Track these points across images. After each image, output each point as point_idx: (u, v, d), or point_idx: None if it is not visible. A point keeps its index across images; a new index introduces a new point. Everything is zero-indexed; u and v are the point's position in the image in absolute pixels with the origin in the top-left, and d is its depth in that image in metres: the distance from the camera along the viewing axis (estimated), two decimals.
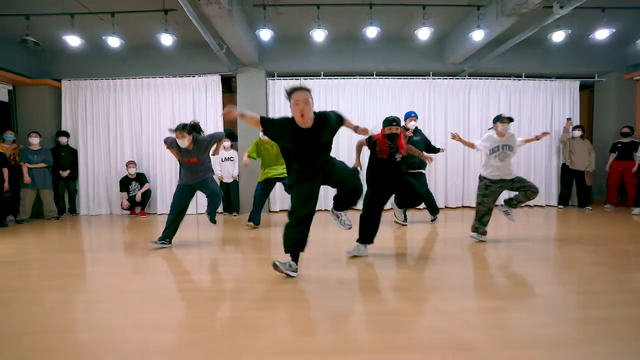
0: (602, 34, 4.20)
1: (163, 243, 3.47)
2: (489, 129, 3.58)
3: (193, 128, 3.39)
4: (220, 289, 2.49)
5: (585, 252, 3.20)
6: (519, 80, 6.26)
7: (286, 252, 2.51)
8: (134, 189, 5.84)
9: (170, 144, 3.53)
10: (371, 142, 3.06)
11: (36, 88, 5.87)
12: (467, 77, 6.18)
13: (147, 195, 5.89)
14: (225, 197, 5.90)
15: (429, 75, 6.13)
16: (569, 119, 6.07)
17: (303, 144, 2.35)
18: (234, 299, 2.24)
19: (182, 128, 3.29)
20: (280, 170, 4.37)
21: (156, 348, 1.61)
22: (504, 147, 3.40)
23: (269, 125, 2.36)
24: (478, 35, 4.20)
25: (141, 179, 5.89)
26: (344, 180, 2.47)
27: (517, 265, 2.90)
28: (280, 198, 6.17)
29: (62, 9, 4.00)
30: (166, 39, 4.16)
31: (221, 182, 5.84)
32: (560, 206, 6.19)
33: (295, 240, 2.47)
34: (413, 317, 1.91)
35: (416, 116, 4.62)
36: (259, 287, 2.41)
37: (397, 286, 2.43)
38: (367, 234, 3.02)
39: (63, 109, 6.06)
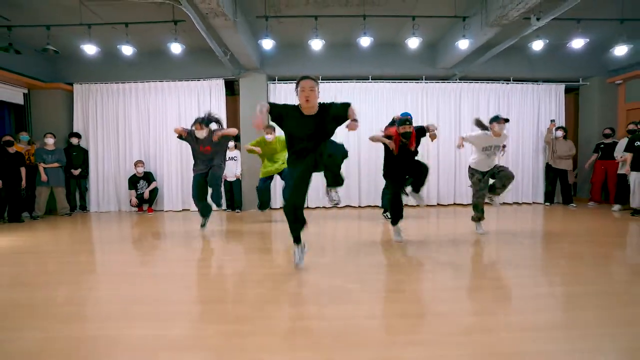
0: (577, 43, 4.53)
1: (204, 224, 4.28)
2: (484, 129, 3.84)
3: (209, 120, 3.95)
4: (225, 280, 2.82)
5: (564, 245, 3.54)
6: (507, 83, 6.60)
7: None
8: (142, 187, 6.16)
9: (188, 133, 4.01)
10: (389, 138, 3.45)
11: (50, 91, 6.21)
12: (458, 80, 6.51)
13: (154, 193, 6.21)
14: (229, 195, 6.23)
15: (422, 79, 6.46)
16: (552, 121, 6.41)
17: (305, 130, 2.53)
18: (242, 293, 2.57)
19: (202, 121, 3.85)
20: (277, 166, 4.79)
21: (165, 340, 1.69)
22: (496, 147, 3.72)
23: (276, 107, 2.58)
24: (464, 44, 4.53)
25: (149, 177, 6.22)
26: (329, 158, 2.58)
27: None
28: (281, 196, 6.48)
29: (80, 20, 4.33)
30: (176, 48, 4.49)
31: (225, 180, 6.17)
32: (546, 203, 6.52)
33: (294, 227, 2.67)
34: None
35: (411, 119, 4.80)
36: (263, 276, 2.74)
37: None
38: (397, 215, 3.53)
39: (75, 111, 6.39)
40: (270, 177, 5.00)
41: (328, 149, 2.57)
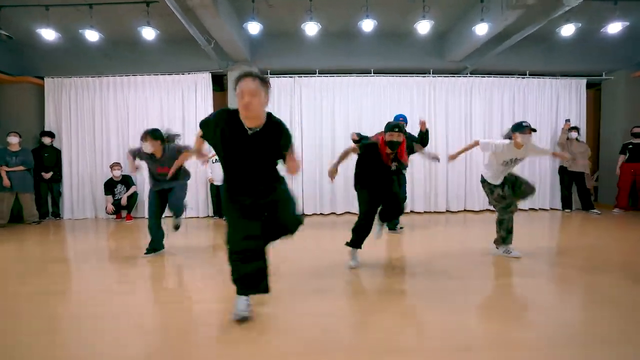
0: (614, 27, 3.93)
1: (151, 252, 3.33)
2: (504, 137, 3.13)
3: (163, 137, 3.19)
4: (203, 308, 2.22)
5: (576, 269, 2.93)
6: (523, 78, 5.99)
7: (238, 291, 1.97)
8: (120, 192, 5.57)
9: (134, 153, 3.30)
10: (366, 145, 2.80)
11: (17, 86, 5.60)
12: (469, 75, 5.91)
13: (133, 198, 5.61)
14: (215, 200, 5.64)
15: (429, 73, 5.86)
16: (567, 120, 5.81)
17: (242, 151, 1.83)
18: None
19: (152, 133, 3.10)
20: None
21: None
22: (517, 160, 3.04)
23: (205, 126, 1.89)
24: (482, 29, 3.92)
25: (127, 181, 5.62)
26: (281, 221, 2.03)
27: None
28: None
29: (37, 0, 3.72)
30: (148, 33, 3.89)
31: (211, 184, 5.57)
32: (566, 210, 5.92)
33: (240, 274, 1.93)
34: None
35: (406, 121, 4.07)
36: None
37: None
38: (359, 239, 2.87)
39: (46, 107, 5.78)
40: None
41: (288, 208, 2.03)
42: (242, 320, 1.88)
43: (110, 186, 5.55)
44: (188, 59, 5.64)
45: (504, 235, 3.13)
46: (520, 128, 2.94)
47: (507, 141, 3.03)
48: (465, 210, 6.04)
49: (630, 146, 5.53)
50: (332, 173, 2.79)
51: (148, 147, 3.07)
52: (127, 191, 5.56)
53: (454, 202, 5.98)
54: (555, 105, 6.08)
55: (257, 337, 1.77)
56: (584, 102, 6.11)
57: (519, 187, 3.18)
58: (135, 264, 3.19)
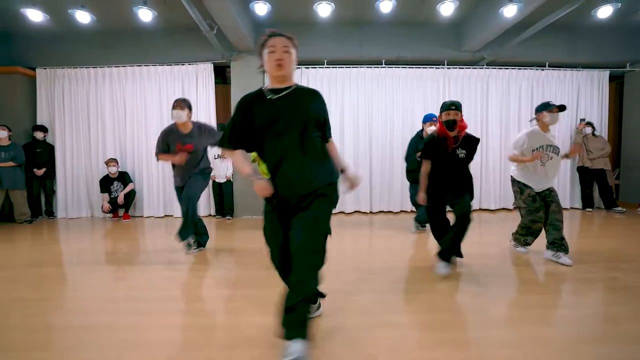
0: None
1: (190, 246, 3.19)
2: (530, 120, 2.92)
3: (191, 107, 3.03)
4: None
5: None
6: (542, 70, 5.68)
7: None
8: (116, 189, 5.25)
9: (163, 134, 3.04)
10: (426, 143, 2.62)
11: (7, 77, 5.26)
12: (485, 66, 5.60)
13: (131, 196, 5.30)
14: (218, 199, 5.33)
15: (444, 64, 5.54)
16: (582, 120, 5.53)
17: (276, 117, 1.52)
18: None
19: (183, 100, 2.95)
20: None
21: None
22: (549, 147, 2.76)
23: (232, 135, 1.59)
24: (510, 11, 3.59)
25: (124, 178, 5.31)
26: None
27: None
28: None
29: None
30: (145, 14, 3.56)
31: (213, 181, 5.26)
32: (587, 209, 5.63)
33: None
34: None
35: (436, 120, 3.76)
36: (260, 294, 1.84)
37: None
38: (447, 251, 2.55)
39: (38, 100, 5.46)
40: None
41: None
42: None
43: (106, 183, 5.24)
44: (189, 48, 5.32)
45: (527, 239, 2.97)
46: (547, 107, 2.72)
47: (530, 128, 2.79)
48: (480, 209, 5.73)
49: None
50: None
51: (182, 116, 2.90)
52: (124, 188, 5.25)
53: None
54: (575, 98, 5.78)
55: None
56: (606, 95, 5.81)
57: (550, 201, 2.82)
58: (134, 267, 2.88)
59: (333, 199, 1.56)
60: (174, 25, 5.02)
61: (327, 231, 1.51)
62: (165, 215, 5.57)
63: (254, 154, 1.71)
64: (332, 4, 3.72)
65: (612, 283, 2.38)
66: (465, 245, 2.67)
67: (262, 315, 1.89)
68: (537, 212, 2.79)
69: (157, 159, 3.06)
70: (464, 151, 2.50)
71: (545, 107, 2.74)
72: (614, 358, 1.49)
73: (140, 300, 2.19)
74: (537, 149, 2.77)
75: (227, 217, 5.25)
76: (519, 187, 2.88)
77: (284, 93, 1.55)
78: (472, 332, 1.73)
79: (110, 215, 5.38)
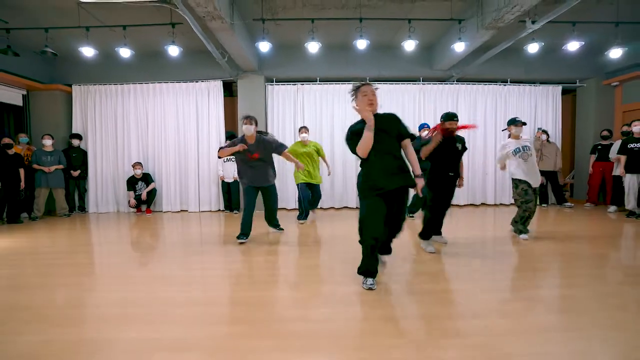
0: (573, 46, 4.56)
1: (241, 238, 3.76)
2: (503, 130, 4.01)
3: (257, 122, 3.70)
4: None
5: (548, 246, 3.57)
6: (505, 85, 6.63)
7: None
8: (140, 188, 6.19)
9: (235, 142, 3.69)
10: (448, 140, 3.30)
11: (48, 93, 6.23)
12: (455, 82, 6.54)
13: (152, 194, 6.24)
14: (227, 196, 6.27)
15: (419, 81, 6.49)
16: (539, 129, 6.47)
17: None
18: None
19: (250, 117, 3.60)
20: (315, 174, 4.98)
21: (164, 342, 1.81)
22: (524, 147, 3.62)
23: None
24: (460, 47, 4.57)
25: (147, 178, 6.25)
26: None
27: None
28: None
29: (79, 22, 4.35)
30: (173, 51, 4.52)
31: (222, 181, 6.20)
32: (543, 205, 6.56)
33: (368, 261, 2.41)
34: None
35: (429, 127, 4.88)
36: (261, 278, 2.77)
37: None
38: (429, 231, 3.37)
39: (74, 112, 6.42)
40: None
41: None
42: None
43: (132, 183, 6.18)
44: (202, 68, 6.27)
45: (522, 229, 3.78)
46: (514, 122, 3.66)
47: (506, 140, 3.75)
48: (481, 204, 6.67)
49: (599, 147, 6.15)
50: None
51: (250, 130, 3.53)
52: (147, 187, 6.19)
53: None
54: (533, 110, 6.72)
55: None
56: (559, 108, 6.74)
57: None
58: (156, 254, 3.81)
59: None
60: (189, 49, 5.97)
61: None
62: (181, 210, 6.51)
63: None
64: (320, 43, 4.66)
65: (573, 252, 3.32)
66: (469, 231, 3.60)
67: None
68: (527, 203, 3.61)
69: (219, 156, 3.72)
70: (460, 144, 3.33)
71: (512, 122, 3.69)
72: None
73: (157, 279, 3.12)
74: (515, 150, 3.63)
75: (234, 212, 6.20)
76: (514, 183, 3.71)
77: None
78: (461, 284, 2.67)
79: (135, 210, 6.32)
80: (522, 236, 3.77)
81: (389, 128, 2.43)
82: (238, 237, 3.73)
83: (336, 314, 2.01)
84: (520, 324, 1.86)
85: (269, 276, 2.74)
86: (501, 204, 6.73)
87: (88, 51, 4.58)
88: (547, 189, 6.55)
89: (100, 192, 6.48)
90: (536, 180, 3.67)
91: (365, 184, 2.40)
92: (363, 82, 2.48)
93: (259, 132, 3.71)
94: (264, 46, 4.48)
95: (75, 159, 6.25)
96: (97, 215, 6.28)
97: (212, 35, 4.63)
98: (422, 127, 5.02)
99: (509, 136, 3.75)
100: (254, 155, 3.60)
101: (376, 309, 2.07)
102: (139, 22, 4.54)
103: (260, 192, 3.84)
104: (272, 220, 4.15)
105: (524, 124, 3.65)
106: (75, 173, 6.21)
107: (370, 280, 2.39)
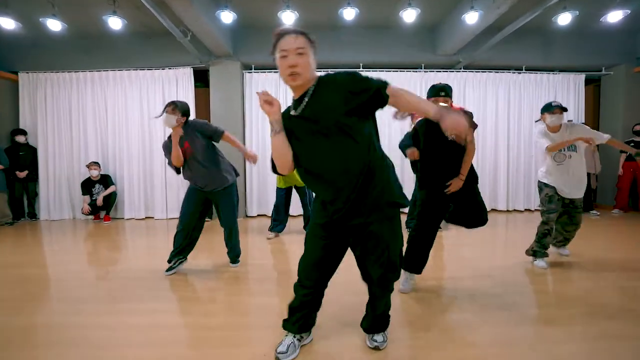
0: (614, 16, 3.67)
1: (172, 266, 2.73)
2: (536, 121, 2.88)
3: (183, 108, 2.51)
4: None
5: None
6: (519, 73, 5.75)
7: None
8: (98, 192, 5.34)
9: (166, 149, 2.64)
10: (422, 122, 2.26)
11: None
12: (462, 69, 5.66)
13: (111, 198, 5.38)
14: None
15: (421, 68, 5.61)
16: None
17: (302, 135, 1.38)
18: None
19: (175, 103, 2.48)
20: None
21: None
22: (568, 148, 2.68)
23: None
24: (472, 18, 3.67)
25: (106, 181, 5.39)
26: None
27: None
28: (257, 201, 5.66)
29: None
30: (115, 23, 3.64)
31: None
32: None
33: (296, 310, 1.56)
34: None
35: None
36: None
37: None
38: (416, 260, 2.25)
39: (21, 104, 5.55)
40: (290, 188, 4.04)
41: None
42: None
43: (87, 186, 5.32)
44: (169, 53, 5.39)
45: (537, 249, 2.81)
46: (549, 108, 2.64)
47: (540, 125, 2.79)
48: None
49: (632, 144, 5.29)
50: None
51: (171, 121, 2.42)
52: (104, 191, 5.33)
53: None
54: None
55: None
56: (582, 99, 5.87)
57: (574, 213, 2.82)
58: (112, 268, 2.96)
59: None
60: (152, 31, 5.10)
61: None
62: (147, 217, 5.65)
63: None
64: (296, 12, 3.78)
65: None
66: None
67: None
68: (549, 213, 2.73)
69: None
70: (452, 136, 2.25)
71: (547, 109, 2.67)
72: None
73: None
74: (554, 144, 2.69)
75: (206, 219, 5.31)
76: (539, 185, 2.86)
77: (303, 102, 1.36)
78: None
79: (92, 217, 5.46)
80: (538, 263, 2.80)
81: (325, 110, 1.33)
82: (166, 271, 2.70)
83: None
84: None
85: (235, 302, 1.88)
86: (515, 210, 5.86)
87: (7, 23, 3.69)
88: None
89: (52, 196, 5.61)
90: (570, 190, 2.71)
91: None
92: (284, 30, 1.36)
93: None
94: (226, 17, 3.60)
95: (22, 157, 5.39)
96: (49, 222, 5.43)
97: (169, 9, 3.76)
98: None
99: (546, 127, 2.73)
100: (184, 147, 2.51)
101: None
102: None
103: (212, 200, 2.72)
104: (231, 247, 2.86)
105: (565, 109, 2.60)
106: (22, 174, 5.35)
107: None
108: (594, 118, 6.28)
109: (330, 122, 1.30)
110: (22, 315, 2.06)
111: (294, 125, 1.38)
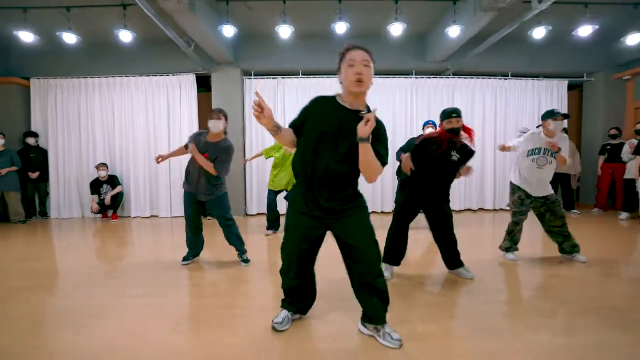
0: (585, 30, 3.99)
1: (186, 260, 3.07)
2: (537, 126, 3.01)
3: (226, 115, 2.86)
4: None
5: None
6: (505, 79, 6.06)
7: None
8: (105, 191, 5.64)
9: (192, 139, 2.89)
10: (416, 146, 2.54)
11: (3, 87, 5.66)
12: (451, 76, 5.97)
13: (118, 198, 5.68)
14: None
15: (412, 74, 5.92)
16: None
17: (332, 124, 1.58)
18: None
19: (220, 110, 2.82)
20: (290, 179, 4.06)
21: None
22: (547, 151, 2.83)
23: (299, 117, 1.69)
24: (454, 32, 3.99)
25: (113, 181, 5.69)
26: (356, 251, 1.66)
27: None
28: (257, 200, 5.96)
29: (13, 1, 3.78)
30: (125, 36, 3.95)
31: None
32: None
33: (287, 287, 1.86)
34: None
35: (434, 125, 3.93)
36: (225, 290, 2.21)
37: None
38: (394, 253, 2.61)
39: (32, 108, 5.85)
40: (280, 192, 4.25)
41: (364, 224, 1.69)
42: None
43: (95, 186, 5.62)
44: (172, 60, 5.70)
45: (509, 245, 3.08)
46: (552, 114, 2.76)
47: (535, 130, 2.92)
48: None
49: (609, 147, 5.60)
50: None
51: (219, 126, 2.74)
52: (112, 191, 5.63)
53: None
54: (537, 106, 6.15)
55: None
56: (565, 104, 6.17)
57: (552, 209, 2.92)
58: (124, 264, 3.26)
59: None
60: (157, 39, 5.40)
61: None
62: (152, 216, 5.95)
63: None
64: (292, 26, 4.09)
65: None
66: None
67: None
68: (520, 215, 2.96)
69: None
70: (457, 155, 2.46)
71: (550, 115, 2.79)
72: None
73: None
74: (532, 150, 2.88)
75: (207, 217, 5.62)
76: (512, 188, 3.05)
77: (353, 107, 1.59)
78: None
79: (100, 215, 5.76)
80: (509, 256, 3.08)
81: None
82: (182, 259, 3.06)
83: None
84: None
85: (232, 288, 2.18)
86: (501, 209, 6.17)
87: (26, 36, 4.01)
88: (556, 193, 5.98)
89: (62, 195, 5.92)
90: (540, 190, 2.94)
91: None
92: (353, 45, 1.61)
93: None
94: (228, 30, 3.91)
95: (33, 159, 5.69)
96: (59, 220, 5.72)
97: (174, 21, 4.06)
98: (427, 124, 4.03)
99: (541, 132, 2.89)
100: (203, 155, 2.77)
101: None
102: (85, 2, 3.96)
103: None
104: (235, 245, 3.08)
105: (567, 116, 2.74)
106: (34, 175, 5.65)
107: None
108: (577, 121, 6.59)
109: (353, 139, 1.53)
110: (35, 304, 2.32)
111: (333, 117, 1.59)
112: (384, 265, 2.58)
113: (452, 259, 2.66)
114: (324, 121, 1.60)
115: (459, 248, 2.68)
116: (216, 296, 2.38)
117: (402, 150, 3.65)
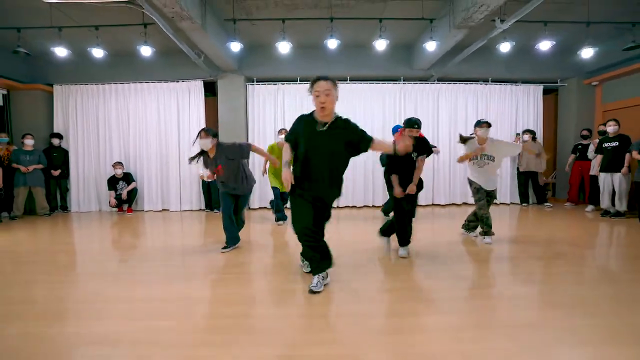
0: (544, 45, 4.55)
1: (226, 248, 3.49)
2: (471, 134, 3.68)
3: (212, 132, 3.24)
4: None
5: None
6: (486, 84, 6.62)
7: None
8: (121, 187, 6.21)
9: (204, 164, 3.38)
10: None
11: (29, 92, 6.26)
12: (436, 82, 6.54)
13: (133, 193, 6.26)
14: (207, 196, 6.29)
15: (400, 80, 6.49)
16: (517, 134, 6.48)
17: (318, 144, 2.21)
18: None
19: (206, 130, 3.21)
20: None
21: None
22: (483, 156, 3.51)
23: (291, 135, 2.34)
24: (431, 47, 4.57)
25: (128, 178, 6.27)
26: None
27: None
28: (258, 196, 6.53)
29: (51, 22, 4.37)
30: (146, 51, 4.54)
31: (202, 180, 6.21)
32: (523, 204, 6.56)
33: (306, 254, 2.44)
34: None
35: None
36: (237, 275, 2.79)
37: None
38: (404, 236, 3.21)
39: (55, 112, 6.44)
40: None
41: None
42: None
43: (112, 182, 6.20)
44: (182, 68, 6.28)
45: (487, 230, 3.65)
46: (479, 124, 3.46)
47: (473, 139, 3.60)
48: (432, 204, 6.68)
49: (580, 146, 6.15)
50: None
51: (207, 144, 3.15)
52: (127, 187, 6.21)
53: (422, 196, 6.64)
54: (515, 109, 6.71)
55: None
56: (540, 107, 6.74)
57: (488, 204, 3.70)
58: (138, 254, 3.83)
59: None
60: (170, 50, 5.98)
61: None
62: (163, 210, 6.53)
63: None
64: (290, 43, 4.67)
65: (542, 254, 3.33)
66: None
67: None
68: (479, 201, 3.62)
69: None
70: (415, 153, 3.14)
71: (477, 124, 3.48)
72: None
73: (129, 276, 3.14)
74: (474, 152, 3.52)
75: (214, 210, 6.21)
76: (469, 181, 3.73)
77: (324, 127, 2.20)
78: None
79: (116, 209, 6.34)
80: (485, 239, 3.66)
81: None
82: (222, 248, 3.47)
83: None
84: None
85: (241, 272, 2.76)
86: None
87: (61, 51, 4.60)
88: (527, 189, 6.55)
89: (82, 191, 6.50)
90: (487, 186, 3.60)
91: None
92: (318, 77, 2.16)
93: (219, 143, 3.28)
94: (235, 46, 4.49)
95: (56, 158, 6.27)
96: (79, 214, 6.30)
97: (187, 36, 4.64)
98: (396, 130, 4.43)
99: (476, 140, 3.56)
100: (217, 169, 3.24)
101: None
102: (112, 22, 4.55)
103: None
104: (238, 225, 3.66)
105: (489, 125, 3.45)
106: (56, 172, 6.23)
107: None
108: (554, 123, 7.15)
109: (334, 146, 2.24)
110: (61, 289, 2.58)
111: (314, 134, 2.21)
112: (400, 249, 3.21)
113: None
114: (307, 135, 2.25)
115: (444, 238, 3.26)
116: (225, 283, 2.95)
117: (384, 160, 4.26)
